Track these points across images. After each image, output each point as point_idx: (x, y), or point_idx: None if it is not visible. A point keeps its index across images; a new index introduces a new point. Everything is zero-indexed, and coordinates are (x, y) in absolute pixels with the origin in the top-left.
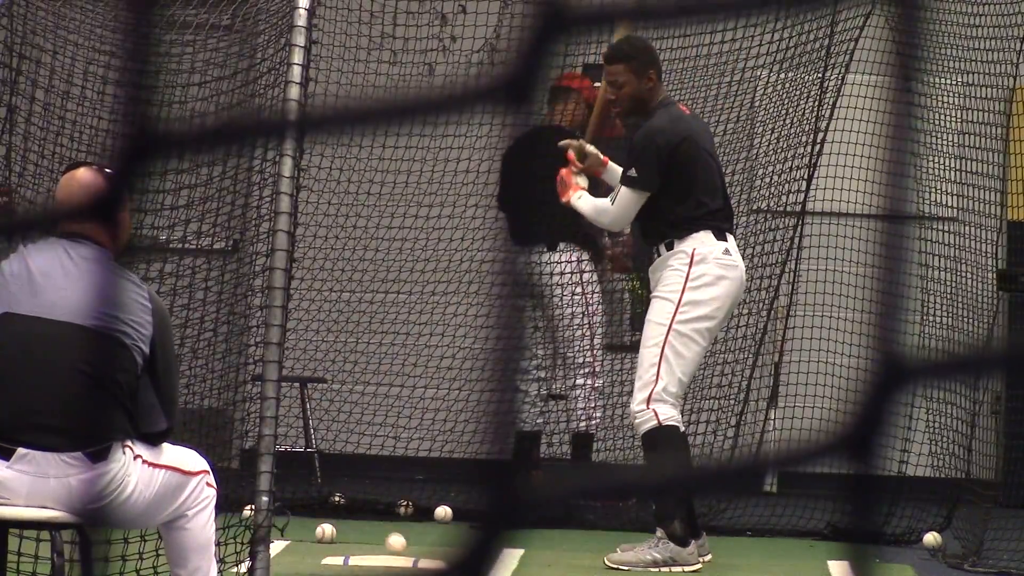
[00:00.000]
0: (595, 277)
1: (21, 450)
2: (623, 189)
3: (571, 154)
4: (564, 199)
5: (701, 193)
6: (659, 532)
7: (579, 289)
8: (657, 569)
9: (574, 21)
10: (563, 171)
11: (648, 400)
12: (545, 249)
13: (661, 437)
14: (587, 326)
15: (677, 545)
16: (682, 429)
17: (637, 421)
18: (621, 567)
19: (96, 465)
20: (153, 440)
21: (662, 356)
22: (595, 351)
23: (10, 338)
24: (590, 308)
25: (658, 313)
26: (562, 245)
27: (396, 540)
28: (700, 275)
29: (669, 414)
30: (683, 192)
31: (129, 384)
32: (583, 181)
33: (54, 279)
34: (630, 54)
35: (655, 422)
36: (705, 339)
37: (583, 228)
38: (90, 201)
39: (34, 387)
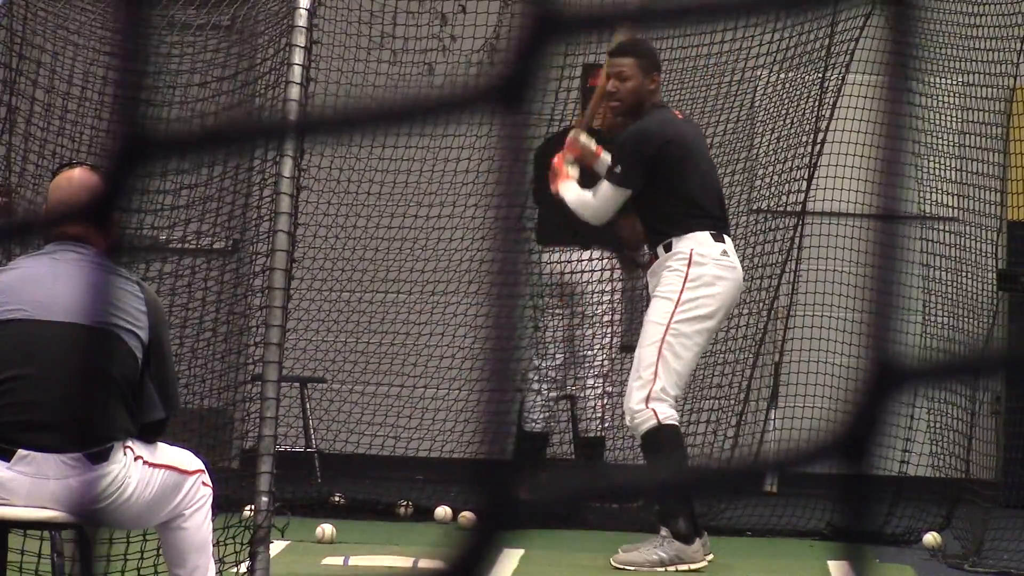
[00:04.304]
0: (620, 284)
1: (21, 451)
2: (605, 184)
3: (569, 140)
4: (553, 188)
5: (696, 194)
6: (664, 531)
7: (608, 291)
8: (663, 568)
9: (574, 21)
10: (555, 159)
11: (647, 399)
12: (579, 248)
13: (662, 437)
14: (610, 330)
15: (682, 543)
16: (679, 428)
17: (636, 420)
18: (627, 567)
19: (96, 466)
20: (152, 429)
21: (660, 356)
22: (612, 353)
23: (8, 342)
24: (616, 316)
25: (657, 313)
26: (595, 246)
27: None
28: (699, 276)
29: (668, 413)
30: (678, 193)
31: (130, 378)
32: (574, 171)
33: (46, 281)
34: (641, 52)
35: (655, 421)
36: (703, 340)
37: (614, 232)
38: (91, 203)
39: (34, 389)
